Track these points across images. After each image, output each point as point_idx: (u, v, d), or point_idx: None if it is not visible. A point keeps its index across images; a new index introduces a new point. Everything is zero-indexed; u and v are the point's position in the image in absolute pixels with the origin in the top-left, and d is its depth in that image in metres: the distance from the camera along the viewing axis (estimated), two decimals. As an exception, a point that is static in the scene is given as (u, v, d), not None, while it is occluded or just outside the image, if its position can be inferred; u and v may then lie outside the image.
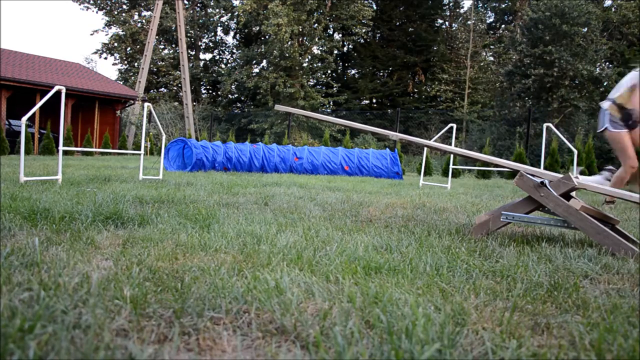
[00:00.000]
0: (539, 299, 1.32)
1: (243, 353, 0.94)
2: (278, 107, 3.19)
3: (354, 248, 1.85)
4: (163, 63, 31.58)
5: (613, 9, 24.82)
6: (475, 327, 1.07)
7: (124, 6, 32.73)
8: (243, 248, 1.81)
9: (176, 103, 28.13)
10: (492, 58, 30.02)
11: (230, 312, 1.11)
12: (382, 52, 30.39)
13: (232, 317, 1.09)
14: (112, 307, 1.08)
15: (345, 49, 32.51)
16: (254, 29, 30.09)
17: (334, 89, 29.58)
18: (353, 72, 33.40)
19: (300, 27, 26.01)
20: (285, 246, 1.83)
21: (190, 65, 30.09)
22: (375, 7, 30.79)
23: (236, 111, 30.89)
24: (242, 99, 31.62)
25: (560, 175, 2.23)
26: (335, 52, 30.65)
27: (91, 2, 31.53)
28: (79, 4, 31.51)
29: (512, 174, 10.99)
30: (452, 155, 8.53)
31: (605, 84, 21.09)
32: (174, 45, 31.84)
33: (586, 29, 19.84)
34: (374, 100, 31.76)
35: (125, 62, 33.14)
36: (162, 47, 32.30)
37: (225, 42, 35.21)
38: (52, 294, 1.11)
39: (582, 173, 9.19)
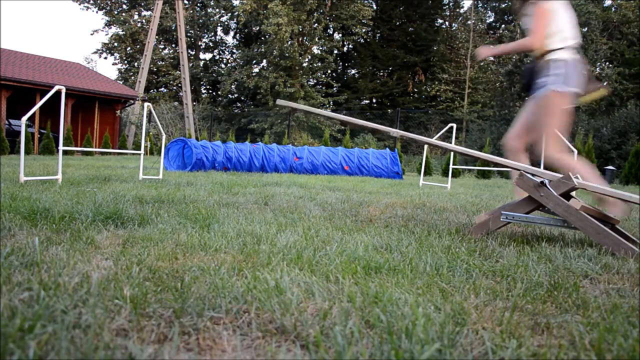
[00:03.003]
0: (539, 299, 1.32)
1: (243, 353, 0.93)
2: (280, 102, 3.19)
3: (354, 248, 1.85)
4: (163, 63, 31.57)
5: (613, 9, 24.81)
6: (475, 327, 1.07)
7: (124, 6, 32.72)
8: (243, 248, 1.81)
9: (176, 103, 28.14)
10: (492, 58, 29.99)
11: (230, 312, 1.11)
12: (382, 52, 30.38)
13: (232, 316, 1.09)
14: (112, 307, 1.08)
15: (345, 48, 32.50)
16: (254, 28, 30.08)
17: (334, 88, 29.57)
18: (353, 72, 33.40)
19: (300, 26, 26.01)
20: (285, 246, 1.83)
21: (190, 65, 30.09)
22: (375, 7, 30.79)
23: (236, 111, 30.90)
24: (242, 98, 31.61)
25: (560, 175, 2.23)
26: (335, 52, 30.65)
27: (91, 2, 31.53)
28: (79, 4, 31.52)
29: (512, 173, 10.96)
30: (452, 155, 8.54)
31: (605, 83, 21.08)
32: (174, 45, 31.83)
33: (586, 29, 19.83)
34: (374, 100, 31.76)
35: (125, 62, 33.14)
36: (162, 47, 32.29)
37: (225, 42, 35.22)
38: (52, 294, 1.11)
39: None
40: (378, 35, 32.35)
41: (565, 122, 3.02)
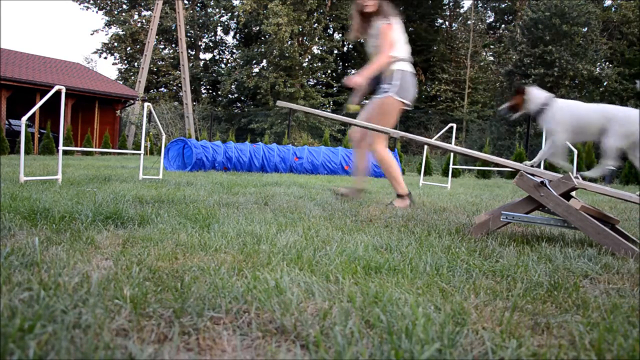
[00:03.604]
0: (539, 299, 1.31)
1: (243, 353, 0.93)
2: (280, 103, 3.19)
3: (354, 248, 1.85)
4: (163, 63, 31.57)
5: (613, 9, 24.82)
6: (475, 327, 1.07)
7: (124, 6, 32.73)
8: (243, 248, 1.81)
9: (176, 103, 28.16)
10: (492, 58, 30.01)
11: (230, 312, 1.11)
12: (382, 52, 30.31)
13: (232, 316, 1.09)
14: (112, 307, 1.08)
15: (345, 48, 32.49)
16: (254, 28, 30.08)
17: (334, 88, 29.56)
18: (353, 72, 33.37)
19: (300, 26, 26.01)
20: (285, 246, 1.83)
21: (190, 65, 30.08)
22: (375, 7, 30.74)
23: (236, 111, 30.90)
24: (242, 98, 31.61)
25: (560, 175, 2.23)
26: (335, 52, 30.64)
27: (91, 2, 31.54)
28: (79, 4, 31.54)
29: (512, 173, 10.98)
30: (452, 155, 8.53)
31: (605, 83, 21.09)
32: (174, 45, 31.83)
33: (586, 28, 19.84)
34: (374, 100, 31.73)
35: (125, 61, 33.14)
36: (162, 47, 32.29)
37: (225, 42, 35.23)
38: (52, 294, 1.11)
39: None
40: (378, 35, 32.30)
41: (392, 123, 3.68)
